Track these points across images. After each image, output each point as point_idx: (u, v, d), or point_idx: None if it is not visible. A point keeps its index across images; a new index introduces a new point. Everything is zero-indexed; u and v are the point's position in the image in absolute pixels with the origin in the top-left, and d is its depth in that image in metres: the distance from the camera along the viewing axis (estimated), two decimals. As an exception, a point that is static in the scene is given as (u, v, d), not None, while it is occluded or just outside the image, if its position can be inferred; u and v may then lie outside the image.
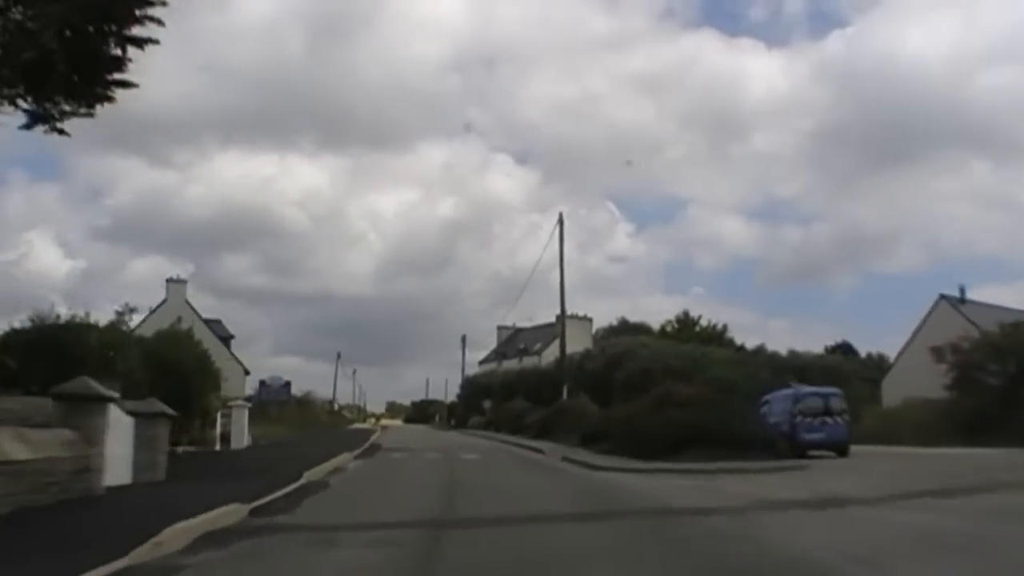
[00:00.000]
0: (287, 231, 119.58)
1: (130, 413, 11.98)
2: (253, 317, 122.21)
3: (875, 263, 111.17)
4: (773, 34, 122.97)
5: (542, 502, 11.26)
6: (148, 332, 46.25)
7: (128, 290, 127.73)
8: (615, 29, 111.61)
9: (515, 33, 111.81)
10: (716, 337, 55.18)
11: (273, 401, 35.57)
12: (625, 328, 60.80)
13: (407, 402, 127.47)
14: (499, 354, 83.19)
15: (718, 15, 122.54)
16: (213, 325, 49.39)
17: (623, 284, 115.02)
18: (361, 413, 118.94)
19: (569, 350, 47.75)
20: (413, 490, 13.04)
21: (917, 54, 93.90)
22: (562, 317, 37.87)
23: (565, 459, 20.66)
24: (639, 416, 19.51)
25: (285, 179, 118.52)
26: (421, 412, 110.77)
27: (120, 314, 18.36)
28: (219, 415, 21.76)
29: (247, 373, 49.38)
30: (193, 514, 7.75)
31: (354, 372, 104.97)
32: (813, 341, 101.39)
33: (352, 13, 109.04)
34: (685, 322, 57.74)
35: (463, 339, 78.51)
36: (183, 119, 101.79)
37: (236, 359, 48.24)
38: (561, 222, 37.11)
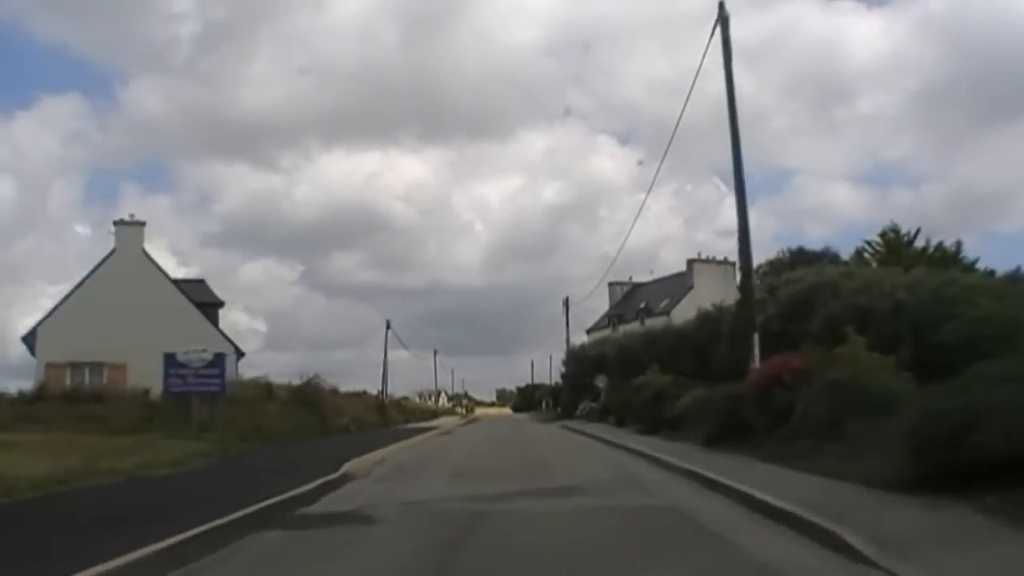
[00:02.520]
0: (394, 226, 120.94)
1: None
2: (365, 312, 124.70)
3: (990, 222, 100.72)
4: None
5: None
6: (97, 287, 31.12)
7: (241, 293, 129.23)
8: (710, 1, 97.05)
9: (609, 12, 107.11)
10: (950, 260, 35.34)
11: (193, 392, 18.72)
12: (800, 259, 41.45)
13: (516, 389, 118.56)
14: (613, 318, 64.86)
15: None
16: (187, 286, 33.94)
17: (734, 258, 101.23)
18: (457, 402, 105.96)
19: (710, 301, 34.68)
20: None
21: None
22: (740, 196, 19.73)
23: None
24: None
25: (389, 174, 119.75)
26: (526, 398, 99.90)
27: None
28: None
29: (241, 355, 33.65)
30: None
31: (435, 353, 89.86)
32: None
33: (445, 4, 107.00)
34: (895, 242, 37.86)
35: (566, 302, 59.79)
36: (286, 122, 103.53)
37: (223, 334, 32.53)
38: (724, 19, 18.99)
